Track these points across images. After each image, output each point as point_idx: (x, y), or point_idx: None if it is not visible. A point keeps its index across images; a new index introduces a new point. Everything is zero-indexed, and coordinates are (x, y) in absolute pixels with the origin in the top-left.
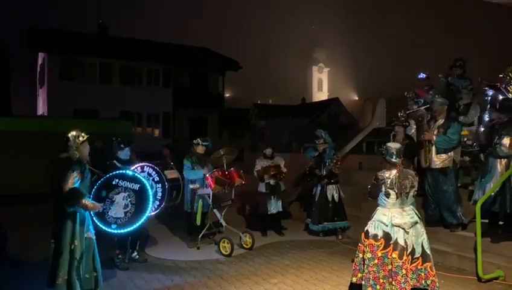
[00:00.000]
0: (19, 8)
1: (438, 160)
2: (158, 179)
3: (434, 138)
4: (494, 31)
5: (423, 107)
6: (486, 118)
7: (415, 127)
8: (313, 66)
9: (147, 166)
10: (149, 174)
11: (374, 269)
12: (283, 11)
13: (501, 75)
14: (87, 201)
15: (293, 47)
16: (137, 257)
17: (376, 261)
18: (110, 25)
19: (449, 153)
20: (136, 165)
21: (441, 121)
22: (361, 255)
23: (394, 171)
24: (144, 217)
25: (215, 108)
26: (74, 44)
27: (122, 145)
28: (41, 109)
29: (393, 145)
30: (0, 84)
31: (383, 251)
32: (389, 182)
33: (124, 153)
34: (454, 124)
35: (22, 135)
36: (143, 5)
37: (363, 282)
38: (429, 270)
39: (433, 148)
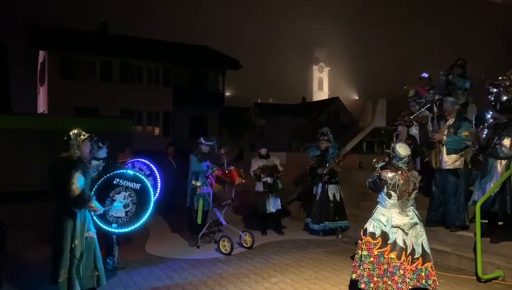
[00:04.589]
0: (21, 5)
1: (449, 160)
2: (149, 172)
3: (444, 138)
4: (495, 31)
5: (424, 108)
6: (490, 117)
7: (417, 128)
8: (313, 65)
9: (138, 161)
10: (140, 169)
11: (369, 266)
12: (284, 10)
13: (501, 78)
14: (93, 204)
15: (294, 46)
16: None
17: (372, 259)
18: (110, 23)
19: (460, 154)
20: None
21: (451, 121)
22: (359, 252)
23: (399, 175)
24: (145, 217)
25: (215, 107)
26: (74, 42)
27: (100, 144)
28: (42, 106)
29: (403, 152)
30: (0, 82)
31: (379, 250)
32: (391, 184)
33: (101, 153)
34: (465, 124)
35: (22, 133)
36: (143, 3)
37: (358, 278)
38: (430, 270)
39: (444, 148)
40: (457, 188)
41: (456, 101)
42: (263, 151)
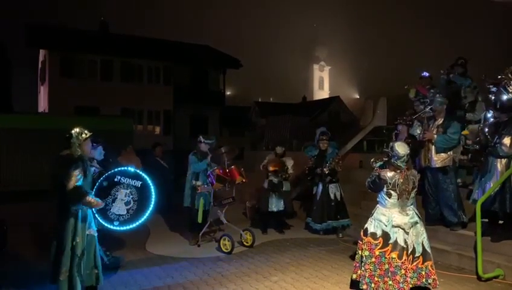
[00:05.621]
0: (22, 4)
1: (438, 159)
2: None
3: (435, 136)
4: (495, 31)
5: (428, 108)
6: (490, 116)
7: (420, 128)
8: (314, 64)
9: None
10: None
11: (371, 267)
12: (284, 9)
13: (499, 76)
14: (90, 198)
15: (294, 45)
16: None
17: (373, 259)
18: (111, 22)
19: (449, 152)
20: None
21: (440, 120)
22: (360, 252)
23: (398, 174)
24: (147, 214)
25: (216, 106)
26: (75, 41)
27: (94, 144)
28: (43, 106)
29: (402, 150)
30: (1, 81)
31: (380, 250)
32: (391, 184)
33: (98, 153)
34: (454, 123)
35: (22, 132)
36: (144, 2)
37: (359, 279)
38: (430, 269)
39: (433, 147)
40: (448, 185)
41: (444, 101)
42: (279, 149)
